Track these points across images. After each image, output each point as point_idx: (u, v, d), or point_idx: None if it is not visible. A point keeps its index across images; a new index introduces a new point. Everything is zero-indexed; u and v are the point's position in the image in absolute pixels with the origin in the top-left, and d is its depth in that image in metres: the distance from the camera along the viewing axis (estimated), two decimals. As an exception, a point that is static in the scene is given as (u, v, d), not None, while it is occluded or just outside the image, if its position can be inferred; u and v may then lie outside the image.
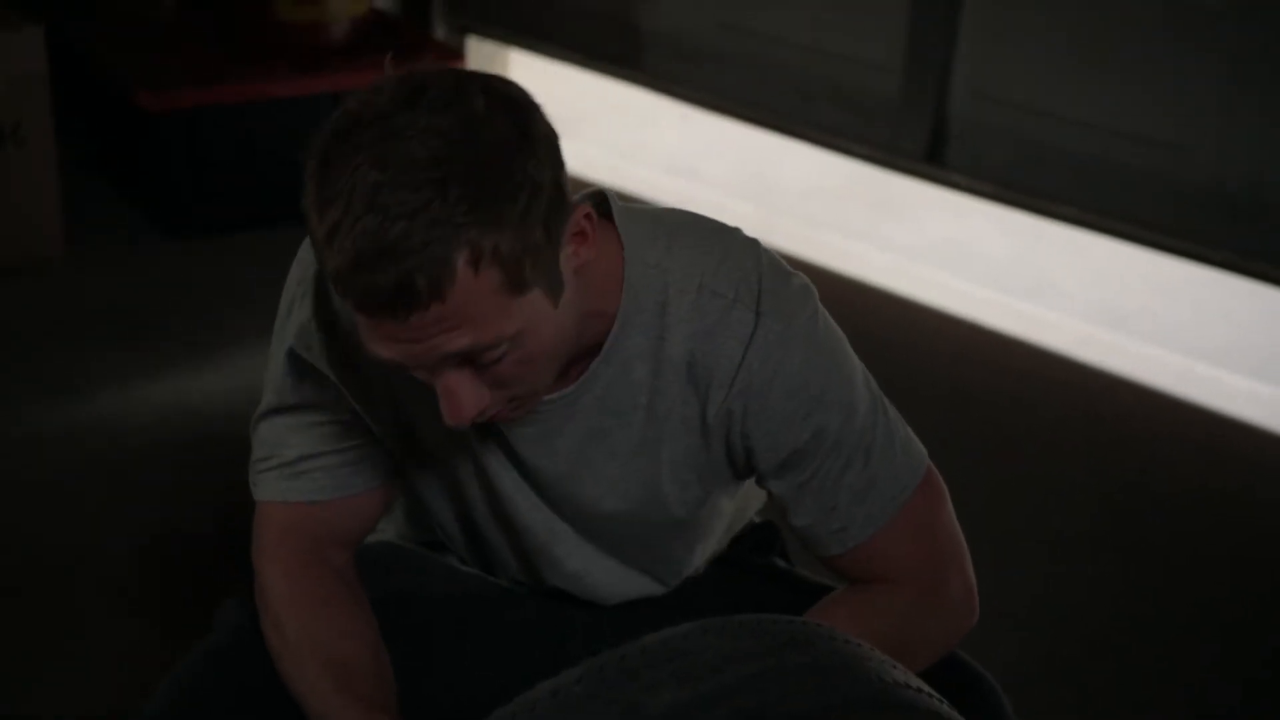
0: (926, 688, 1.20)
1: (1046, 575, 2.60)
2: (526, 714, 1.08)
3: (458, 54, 4.22)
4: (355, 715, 1.32)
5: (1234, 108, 3.39)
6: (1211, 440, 3.13)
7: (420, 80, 1.16)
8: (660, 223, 1.33)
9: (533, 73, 5.14)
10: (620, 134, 4.59)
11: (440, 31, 4.75)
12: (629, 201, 1.36)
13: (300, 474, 1.40)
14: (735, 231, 1.36)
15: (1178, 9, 3.43)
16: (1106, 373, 3.39)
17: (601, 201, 1.32)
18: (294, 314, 1.36)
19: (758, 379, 1.31)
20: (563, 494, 1.40)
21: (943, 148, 3.96)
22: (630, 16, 4.39)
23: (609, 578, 1.48)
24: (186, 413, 2.98)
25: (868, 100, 4.04)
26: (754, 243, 1.35)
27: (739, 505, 1.57)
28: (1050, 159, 3.72)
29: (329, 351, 1.35)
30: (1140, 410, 3.25)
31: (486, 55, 5.00)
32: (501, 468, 1.39)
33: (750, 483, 1.48)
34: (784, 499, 1.39)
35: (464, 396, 1.19)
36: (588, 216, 1.21)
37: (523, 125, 1.15)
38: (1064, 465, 3.00)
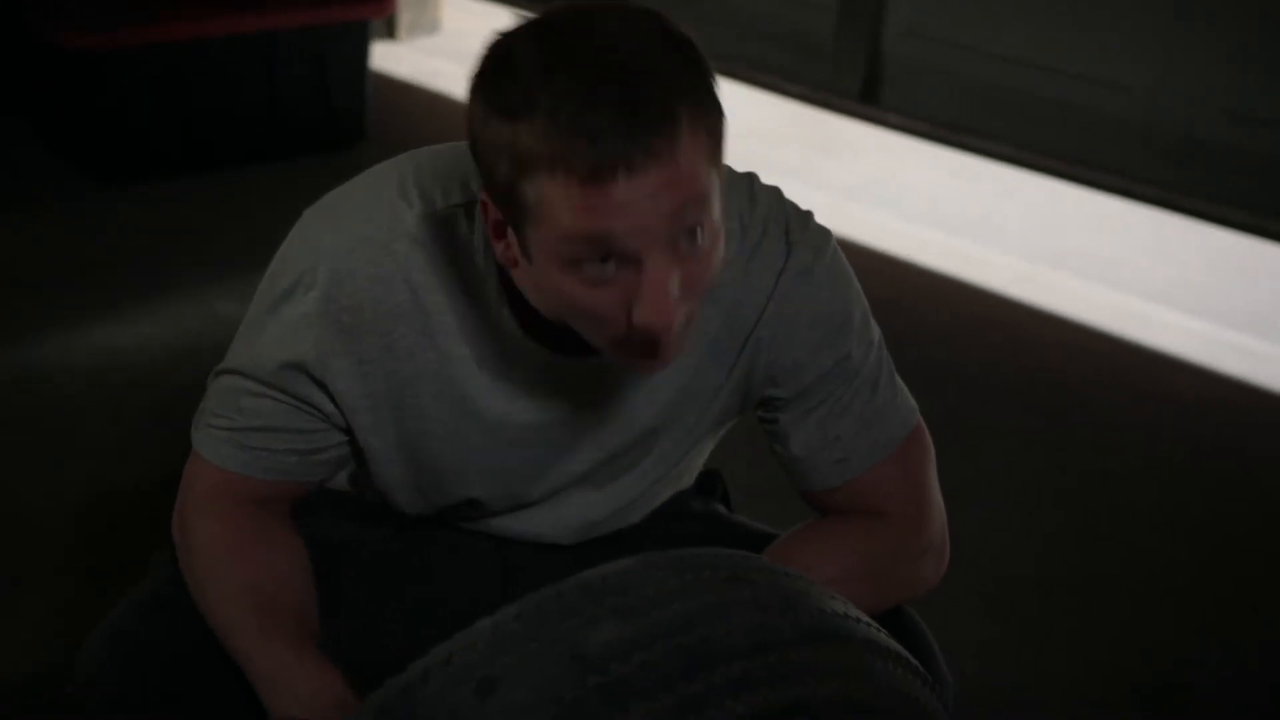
0: (865, 617, 1.21)
1: (980, 513, 2.62)
2: (466, 650, 1.07)
3: (391, -7, 4.16)
4: (280, 651, 1.31)
5: (1169, 46, 3.41)
6: (1147, 377, 3.17)
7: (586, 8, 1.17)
8: None
9: (465, 14, 5.08)
10: (555, 75, 4.55)
11: (371, -28, 4.68)
12: None
13: (247, 446, 1.37)
14: (754, 175, 1.40)
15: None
16: (1042, 310, 3.41)
17: None
18: (304, 319, 1.31)
19: (788, 306, 1.36)
20: (599, 445, 1.41)
21: (878, 87, 3.96)
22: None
23: (580, 519, 1.50)
24: (118, 364, 2.94)
25: (803, 40, 4.04)
26: (774, 185, 1.40)
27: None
28: (985, 97, 3.74)
29: (343, 360, 1.33)
30: (1076, 347, 3.27)
31: (419, -4, 4.94)
32: (525, 449, 1.40)
33: None
34: (786, 427, 1.41)
35: (669, 289, 1.17)
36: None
37: None
38: (1000, 402, 3.02)
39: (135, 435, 2.68)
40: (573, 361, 1.34)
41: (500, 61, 1.15)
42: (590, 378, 1.37)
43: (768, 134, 4.26)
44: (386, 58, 4.69)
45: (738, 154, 4.37)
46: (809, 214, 1.39)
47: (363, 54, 3.99)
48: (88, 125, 3.68)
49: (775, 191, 1.39)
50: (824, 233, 1.39)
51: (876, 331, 1.43)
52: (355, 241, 1.31)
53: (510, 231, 1.21)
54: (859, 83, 3.94)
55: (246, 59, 3.77)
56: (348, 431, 1.38)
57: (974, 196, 3.96)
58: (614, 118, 1.10)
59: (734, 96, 4.40)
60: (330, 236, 1.32)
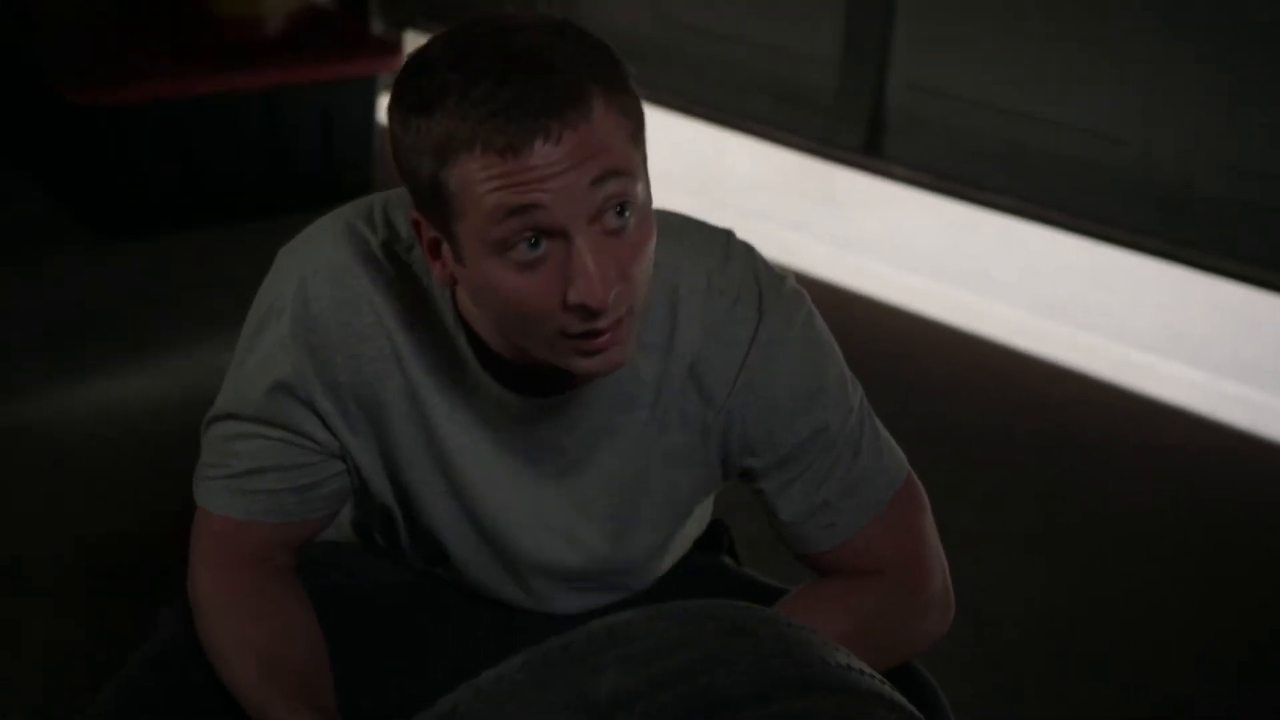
0: (870, 670, 1.21)
1: (982, 564, 2.62)
2: (471, 699, 1.08)
3: (395, 48, 4.20)
4: (286, 711, 1.32)
5: (1166, 101, 3.43)
6: (1148, 427, 3.17)
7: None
8: (659, 221, 1.34)
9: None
10: (558, 128, 4.57)
11: (377, 26, 4.73)
12: None
13: (246, 491, 1.37)
14: (730, 233, 1.40)
15: (1106, 1, 3.48)
16: (1042, 360, 3.42)
17: None
18: (280, 343, 1.33)
19: (760, 376, 1.35)
20: (561, 493, 1.40)
21: (880, 140, 3.98)
22: (568, 12, 4.39)
23: (575, 587, 1.49)
24: (117, 415, 2.95)
25: (806, 93, 4.06)
26: (749, 245, 1.39)
27: (704, 512, 1.58)
28: (986, 150, 3.76)
29: (318, 382, 1.34)
30: (1075, 397, 3.28)
31: (423, 51, 4.99)
32: (488, 485, 1.39)
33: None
34: (771, 497, 1.41)
35: (601, 262, 1.17)
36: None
37: None
38: (999, 452, 3.02)
39: (134, 487, 2.69)
40: (530, 400, 1.35)
41: (413, 67, 1.19)
42: (549, 420, 1.36)
43: (771, 185, 4.29)
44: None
45: (741, 205, 4.42)
46: (784, 276, 1.38)
47: (370, 107, 4.03)
48: (93, 179, 3.70)
49: (749, 252, 1.38)
50: (798, 297, 1.37)
51: (856, 394, 1.41)
52: (320, 265, 1.33)
53: (444, 247, 1.22)
54: (862, 136, 3.97)
55: (251, 114, 3.81)
56: (344, 458, 1.39)
57: (975, 248, 3.97)
58: (527, 91, 1.13)
59: (737, 149, 4.44)
60: (297, 262, 1.34)
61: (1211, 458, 3.07)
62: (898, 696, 1.21)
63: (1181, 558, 2.72)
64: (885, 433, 1.44)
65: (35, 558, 2.49)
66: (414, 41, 4.84)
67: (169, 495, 2.54)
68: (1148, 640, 2.48)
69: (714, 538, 1.67)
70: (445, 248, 1.23)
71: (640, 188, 1.20)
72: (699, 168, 4.43)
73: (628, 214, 1.18)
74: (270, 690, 1.33)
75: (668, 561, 1.54)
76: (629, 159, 1.18)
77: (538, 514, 1.42)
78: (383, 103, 4.19)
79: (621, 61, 1.20)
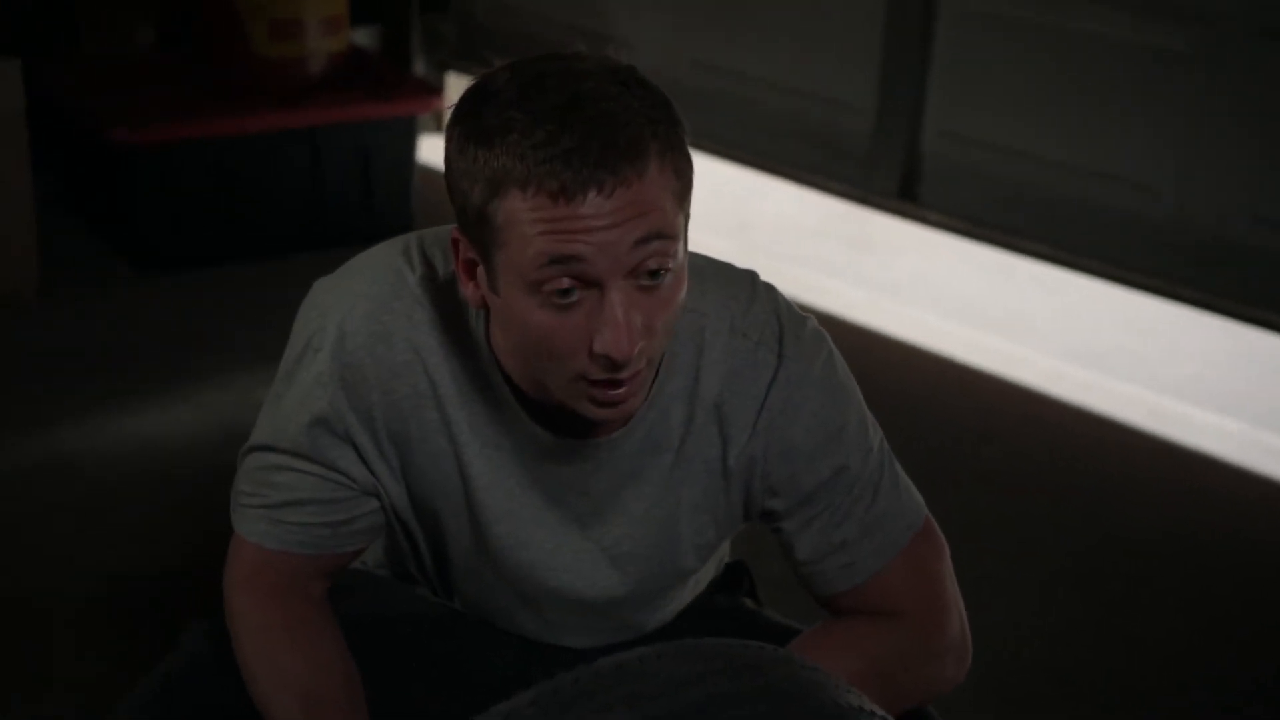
0: (881, 712, 1.22)
1: (1015, 611, 2.61)
2: (480, 735, 1.09)
3: (437, 90, 4.24)
4: None
5: (1197, 149, 3.43)
6: (1181, 475, 3.15)
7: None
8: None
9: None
10: (597, 171, 4.59)
11: (420, 68, 4.78)
12: None
13: (280, 522, 1.39)
14: (754, 275, 1.41)
15: (1142, 52, 3.49)
16: (1077, 408, 3.41)
17: None
18: (318, 379, 1.35)
19: (780, 419, 1.36)
20: (584, 534, 1.42)
21: (915, 186, 4.00)
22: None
23: (589, 624, 1.50)
24: (154, 450, 2.97)
25: (842, 139, 4.08)
26: (771, 286, 1.41)
27: (720, 554, 1.59)
28: (1021, 197, 3.76)
29: (354, 416, 1.36)
30: (1111, 445, 3.27)
31: (465, 93, 5.03)
32: (510, 520, 1.40)
33: None
34: (790, 536, 1.42)
35: (630, 318, 1.20)
36: None
37: None
38: (1034, 500, 3.01)
39: (165, 522, 2.71)
40: (563, 440, 1.36)
41: (477, 94, 1.21)
42: (579, 461, 1.37)
43: (807, 230, 4.30)
44: (436, 151, 4.77)
45: (776, 249, 4.40)
46: (805, 319, 1.40)
47: (409, 148, 4.06)
48: (135, 216, 3.74)
49: (772, 294, 1.39)
50: (818, 338, 1.39)
51: (876, 435, 1.42)
52: (358, 300, 1.35)
53: (480, 270, 1.24)
54: (897, 182, 3.99)
55: (292, 153, 3.84)
56: (377, 495, 1.40)
57: (1010, 294, 3.97)
58: (586, 140, 1.15)
59: (774, 192, 4.46)
60: (335, 298, 1.36)
61: (1246, 506, 3.05)
62: (909, 739, 1.22)
63: (1215, 606, 2.70)
64: (904, 476, 1.45)
65: (63, 592, 2.51)
66: (455, 83, 4.88)
67: (201, 526, 2.56)
68: (1178, 688, 2.46)
69: (735, 579, 1.67)
70: (480, 271, 1.25)
71: (679, 248, 1.22)
72: (735, 211, 4.45)
73: (663, 275, 1.21)
74: None
75: (680, 601, 1.55)
76: (674, 222, 1.20)
77: (557, 551, 1.43)
78: (423, 143, 4.24)
79: (680, 120, 1.22)
